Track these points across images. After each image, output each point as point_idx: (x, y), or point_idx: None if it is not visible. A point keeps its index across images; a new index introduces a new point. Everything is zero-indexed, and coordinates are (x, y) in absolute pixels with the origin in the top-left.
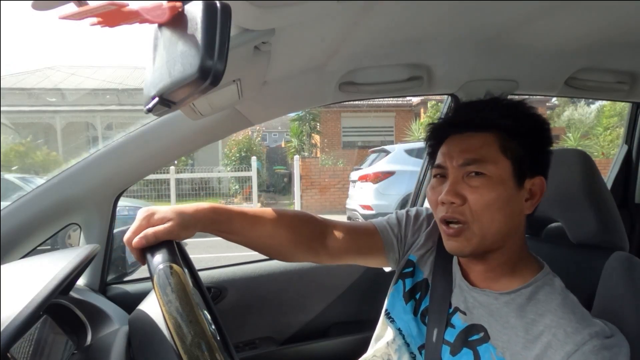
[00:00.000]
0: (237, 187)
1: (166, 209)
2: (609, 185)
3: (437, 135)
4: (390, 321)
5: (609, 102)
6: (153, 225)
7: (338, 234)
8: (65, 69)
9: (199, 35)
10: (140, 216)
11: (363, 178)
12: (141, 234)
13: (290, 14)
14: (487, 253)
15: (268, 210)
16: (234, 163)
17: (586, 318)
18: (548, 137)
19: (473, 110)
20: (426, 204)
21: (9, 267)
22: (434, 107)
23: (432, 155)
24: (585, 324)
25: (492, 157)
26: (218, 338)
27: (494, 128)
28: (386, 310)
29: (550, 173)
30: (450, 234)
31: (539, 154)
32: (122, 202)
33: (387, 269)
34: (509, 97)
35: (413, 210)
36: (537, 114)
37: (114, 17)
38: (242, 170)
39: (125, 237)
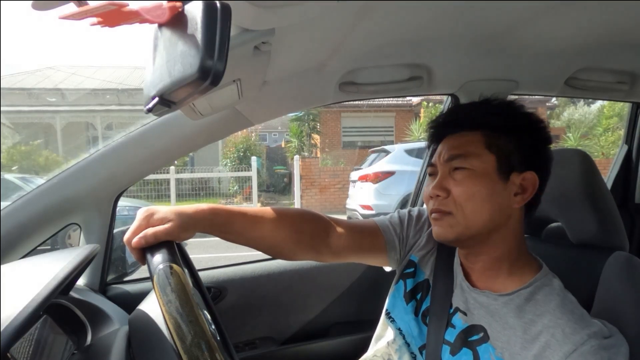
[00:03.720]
0: (236, 187)
1: (166, 210)
2: (609, 185)
3: (435, 136)
4: (391, 321)
5: (608, 103)
6: (153, 226)
7: (341, 232)
8: (65, 69)
9: (199, 35)
10: (140, 216)
11: (363, 178)
12: (140, 234)
13: (290, 14)
14: (477, 246)
15: (269, 210)
16: (233, 163)
17: (585, 318)
18: (542, 134)
19: (464, 111)
20: None
21: (9, 267)
22: (428, 108)
23: (432, 156)
24: (583, 324)
25: (476, 152)
26: (218, 338)
27: (482, 126)
28: (387, 310)
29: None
30: (435, 218)
31: (530, 150)
32: (122, 202)
33: (388, 269)
34: (509, 97)
35: (415, 211)
36: (528, 112)
37: (114, 17)
38: (242, 170)
39: (125, 237)
